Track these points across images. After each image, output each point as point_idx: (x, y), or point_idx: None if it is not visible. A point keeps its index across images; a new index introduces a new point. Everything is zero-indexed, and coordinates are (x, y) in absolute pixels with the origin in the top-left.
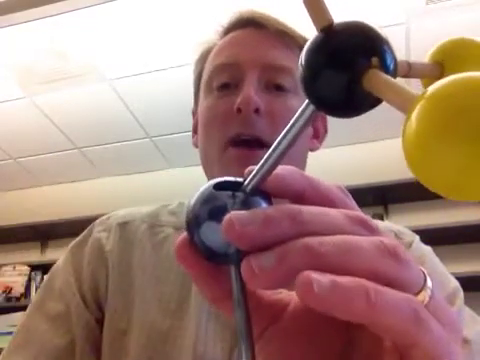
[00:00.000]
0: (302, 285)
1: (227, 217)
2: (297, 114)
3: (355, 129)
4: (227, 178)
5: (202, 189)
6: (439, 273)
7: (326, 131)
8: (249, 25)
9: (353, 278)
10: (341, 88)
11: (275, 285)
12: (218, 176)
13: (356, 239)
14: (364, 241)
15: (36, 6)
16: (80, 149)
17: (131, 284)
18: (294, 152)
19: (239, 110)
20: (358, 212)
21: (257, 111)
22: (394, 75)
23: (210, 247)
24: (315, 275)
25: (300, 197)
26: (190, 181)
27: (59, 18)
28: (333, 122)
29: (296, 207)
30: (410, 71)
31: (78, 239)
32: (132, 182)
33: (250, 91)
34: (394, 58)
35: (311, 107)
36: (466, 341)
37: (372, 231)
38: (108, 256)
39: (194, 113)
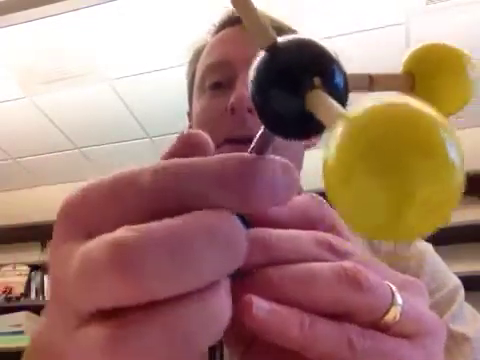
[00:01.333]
0: (244, 305)
1: None
2: (257, 137)
3: None
4: None
5: None
6: (439, 271)
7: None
8: (240, 22)
9: (292, 309)
10: (287, 109)
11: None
12: None
13: (317, 268)
14: (325, 269)
15: (36, 6)
16: (80, 149)
17: None
18: (289, 154)
19: (232, 110)
20: (328, 235)
21: (250, 110)
22: (345, 94)
23: None
24: (257, 299)
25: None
26: None
27: (59, 18)
28: None
29: (266, 232)
30: (373, 85)
31: None
32: None
33: (243, 90)
34: (343, 75)
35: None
36: (466, 339)
37: (339, 255)
38: None
39: (189, 115)
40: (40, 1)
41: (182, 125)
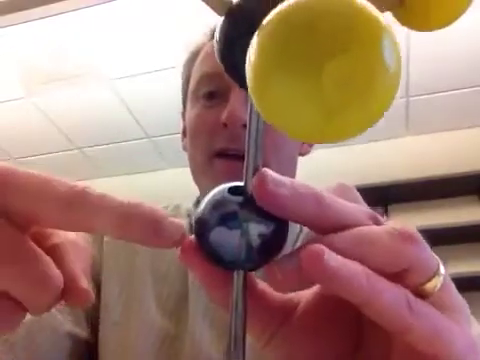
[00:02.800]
0: (313, 254)
1: (263, 171)
2: (248, 106)
3: None
4: (230, 184)
5: (212, 194)
6: None
7: None
8: None
9: (357, 263)
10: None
11: (299, 287)
12: (207, 187)
13: (371, 229)
14: (378, 230)
15: (36, 6)
16: (80, 149)
17: (132, 277)
18: (283, 157)
19: (225, 125)
20: (369, 210)
21: (244, 126)
22: None
23: (218, 252)
24: (327, 248)
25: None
26: (190, 181)
27: (59, 18)
28: None
29: (319, 191)
30: None
31: None
32: (132, 182)
33: (236, 105)
34: None
35: None
36: None
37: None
38: (104, 246)
39: (183, 115)
40: (40, 1)
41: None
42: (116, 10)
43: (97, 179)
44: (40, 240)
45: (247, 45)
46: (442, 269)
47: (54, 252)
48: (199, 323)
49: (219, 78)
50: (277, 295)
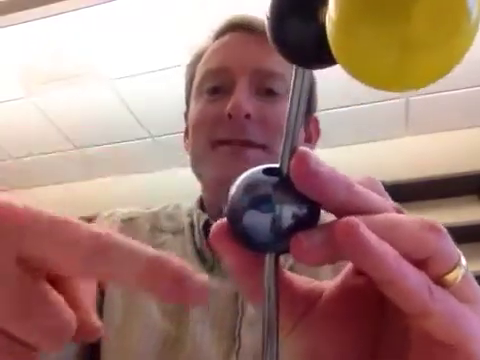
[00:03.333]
0: (348, 224)
1: (305, 150)
2: (292, 85)
3: (356, 129)
4: (264, 166)
5: (245, 176)
6: None
7: (319, 134)
8: (239, 29)
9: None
10: (305, 34)
11: (324, 261)
12: (210, 175)
13: (399, 216)
14: (406, 218)
15: (36, 6)
16: (80, 149)
17: None
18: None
19: (230, 116)
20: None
21: (248, 116)
22: None
23: (250, 235)
24: (362, 223)
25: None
26: (190, 181)
27: (59, 18)
28: (334, 123)
29: (349, 178)
30: None
31: None
32: (132, 182)
33: (241, 97)
34: None
35: (300, 70)
36: None
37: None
38: None
39: (186, 116)
40: (40, 1)
41: (182, 125)
42: (116, 10)
43: (97, 179)
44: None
45: (299, 21)
46: (464, 261)
47: (64, 286)
48: (200, 325)
49: (223, 73)
50: (302, 284)
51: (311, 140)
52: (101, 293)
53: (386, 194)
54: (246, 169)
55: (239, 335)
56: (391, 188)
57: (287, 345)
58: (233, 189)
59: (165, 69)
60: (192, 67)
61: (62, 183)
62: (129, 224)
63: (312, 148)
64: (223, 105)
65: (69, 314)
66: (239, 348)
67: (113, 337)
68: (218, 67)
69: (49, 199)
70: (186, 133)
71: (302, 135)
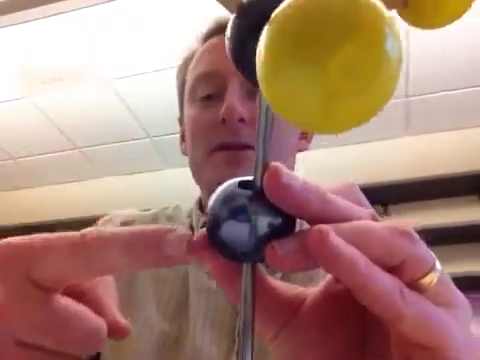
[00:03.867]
0: (320, 234)
1: (276, 165)
2: (258, 104)
3: (355, 129)
4: (239, 178)
5: (222, 189)
6: None
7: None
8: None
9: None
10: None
11: (298, 268)
12: (207, 179)
13: (369, 223)
14: (376, 224)
15: (36, 6)
16: (80, 149)
17: (133, 281)
18: (283, 154)
19: (224, 120)
20: (369, 210)
21: (242, 120)
22: None
23: (228, 245)
24: (331, 230)
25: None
26: (190, 181)
27: (59, 18)
28: None
29: (322, 189)
30: None
31: None
32: (132, 182)
33: (233, 101)
34: None
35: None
36: None
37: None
38: None
39: (180, 121)
40: (40, 1)
41: None
42: (116, 10)
43: (97, 179)
44: (70, 288)
45: (257, 42)
46: (438, 265)
47: (88, 297)
48: (199, 326)
49: (214, 77)
50: (285, 291)
51: (306, 136)
52: None
53: (364, 199)
54: (242, 172)
55: (239, 336)
56: (391, 188)
57: (272, 351)
58: (211, 201)
59: (165, 69)
60: (182, 71)
61: (62, 183)
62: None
63: (308, 144)
64: (217, 110)
65: (96, 320)
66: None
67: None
68: (209, 71)
69: (49, 199)
70: (182, 137)
71: (297, 132)
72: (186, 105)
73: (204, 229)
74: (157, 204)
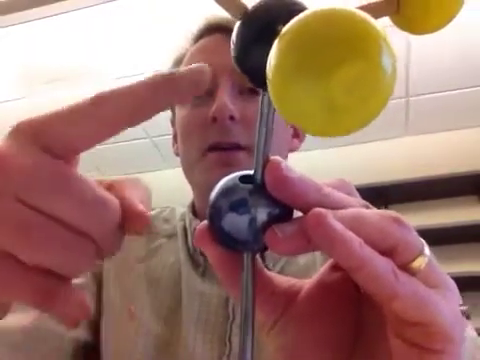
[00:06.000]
0: (317, 216)
1: (277, 159)
2: (260, 104)
3: None
4: (240, 173)
5: (223, 182)
6: None
7: None
8: (217, 31)
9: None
10: (265, 61)
11: (297, 250)
12: (199, 181)
13: (364, 210)
14: (370, 212)
15: (36, 6)
16: None
17: (128, 278)
18: (275, 153)
19: (214, 119)
20: (362, 201)
21: (232, 118)
22: None
23: (229, 236)
24: (329, 213)
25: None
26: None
27: (59, 18)
28: None
29: (318, 182)
30: None
31: None
32: None
33: (224, 99)
34: None
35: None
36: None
37: None
38: (104, 268)
39: (172, 122)
40: (40, 1)
41: None
42: (116, 10)
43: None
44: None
45: (262, 48)
46: (427, 250)
47: (110, 188)
48: (192, 328)
49: None
50: (282, 283)
51: (299, 136)
52: (99, 298)
53: (356, 193)
54: (232, 173)
55: (230, 340)
56: (391, 188)
57: (269, 344)
58: (213, 194)
59: (165, 69)
60: None
61: None
62: None
63: (300, 143)
64: (208, 109)
65: (109, 195)
66: (230, 352)
67: (111, 340)
68: None
69: None
70: (174, 138)
71: (290, 131)
72: (177, 106)
73: (206, 221)
74: (156, 204)
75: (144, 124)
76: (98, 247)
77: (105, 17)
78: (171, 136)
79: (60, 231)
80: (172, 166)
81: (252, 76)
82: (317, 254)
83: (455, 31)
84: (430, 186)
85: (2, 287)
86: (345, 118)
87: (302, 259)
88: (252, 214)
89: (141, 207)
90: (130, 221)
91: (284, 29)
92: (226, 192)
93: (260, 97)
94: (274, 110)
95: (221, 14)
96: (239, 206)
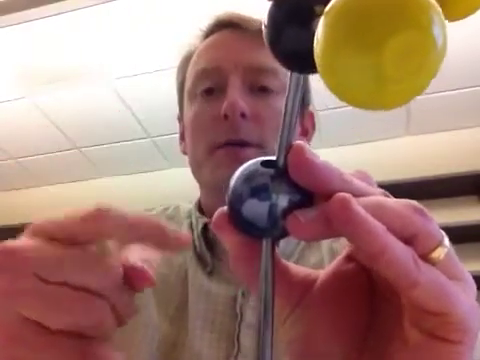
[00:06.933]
0: (342, 200)
1: (301, 143)
2: (288, 86)
3: (356, 129)
4: (262, 158)
5: (245, 167)
6: None
7: (314, 129)
8: (227, 27)
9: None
10: (301, 42)
11: (319, 235)
12: (207, 178)
13: (386, 199)
14: (392, 200)
15: (36, 6)
16: (80, 149)
17: None
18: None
19: (225, 116)
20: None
21: (243, 115)
22: None
23: (249, 222)
24: (353, 198)
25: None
26: (190, 181)
27: (59, 18)
28: (334, 122)
29: (341, 170)
30: None
31: None
32: (132, 182)
33: (235, 96)
34: None
35: (295, 75)
36: None
37: None
38: None
39: (180, 120)
40: (40, 1)
41: None
42: (116, 10)
43: (97, 179)
44: None
45: (295, 29)
46: (447, 241)
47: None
48: (199, 328)
49: (215, 73)
50: (298, 272)
51: (307, 134)
52: None
53: (375, 185)
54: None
55: (238, 339)
56: (391, 188)
57: (282, 333)
58: (233, 180)
59: (165, 69)
60: (182, 69)
61: (62, 183)
62: None
63: (307, 142)
64: (218, 106)
65: (111, 262)
66: (238, 352)
67: (118, 339)
68: (209, 67)
69: (49, 199)
70: (181, 136)
71: (298, 129)
72: (186, 102)
73: (224, 207)
74: (158, 204)
75: (144, 124)
76: (113, 307)
77: (105, 17)
78: (171, 136)
79: (81, 295)
80: (173, 166)
81: (285, 59)
82: (325, 254)
83: (456, 31)
84: (430, 186)
85: (33, 352)
86: (394, 90)
87: (312, 258)
88: (273, 200)
89: (139, 265)
90: (130, 280)
91: (330, 4)
92: (247, 177)
93: (289, 74)
94: (301, 94)
95: (228, 11)
96: (260, 191)
